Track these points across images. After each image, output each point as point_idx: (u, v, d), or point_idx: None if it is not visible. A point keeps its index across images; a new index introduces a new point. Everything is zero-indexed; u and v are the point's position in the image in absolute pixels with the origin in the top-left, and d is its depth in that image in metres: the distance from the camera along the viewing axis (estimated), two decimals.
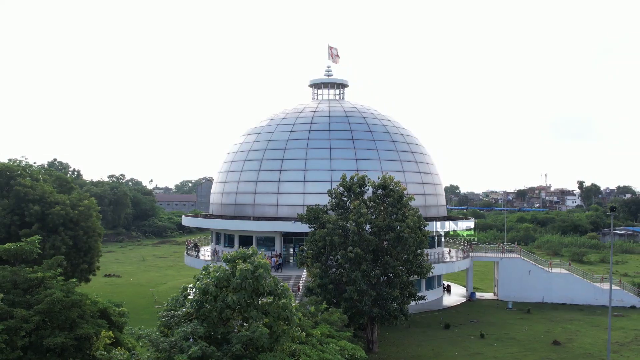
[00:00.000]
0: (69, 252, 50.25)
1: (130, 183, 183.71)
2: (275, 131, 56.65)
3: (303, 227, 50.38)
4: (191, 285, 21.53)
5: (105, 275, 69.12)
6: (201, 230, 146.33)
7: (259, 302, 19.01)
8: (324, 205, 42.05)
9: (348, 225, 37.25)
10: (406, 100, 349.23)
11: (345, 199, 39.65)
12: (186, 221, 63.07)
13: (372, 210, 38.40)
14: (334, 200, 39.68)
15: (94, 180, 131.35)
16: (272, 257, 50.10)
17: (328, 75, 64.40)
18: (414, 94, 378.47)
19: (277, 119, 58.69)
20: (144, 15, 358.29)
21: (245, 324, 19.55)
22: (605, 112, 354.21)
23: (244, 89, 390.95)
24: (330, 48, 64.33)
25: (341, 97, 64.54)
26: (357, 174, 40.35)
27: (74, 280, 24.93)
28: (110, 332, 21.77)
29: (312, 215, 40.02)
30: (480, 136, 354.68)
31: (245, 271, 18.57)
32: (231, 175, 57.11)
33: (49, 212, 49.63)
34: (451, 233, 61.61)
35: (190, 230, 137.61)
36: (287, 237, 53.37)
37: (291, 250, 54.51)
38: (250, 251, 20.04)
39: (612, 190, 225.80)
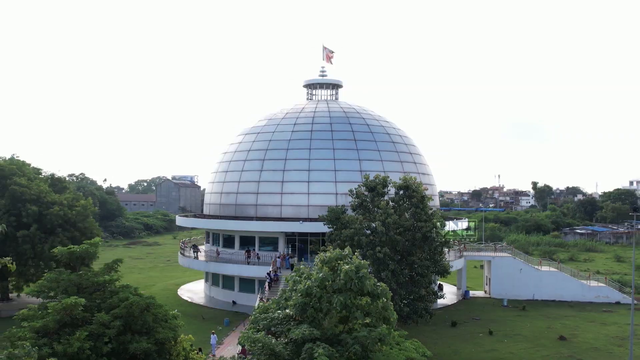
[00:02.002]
0: None
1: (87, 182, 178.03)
2: (276, 131, 56.35)
3: (309, 228, 50.64)
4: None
5: None
6: (168, 230, 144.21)
7: (360, 303, 19.03)
8: (342, 205, 42.26)
9: (375, 225, 37.56)
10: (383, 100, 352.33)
11: (367, 199, 39.94)
12: (182, 222, 61.76)
13: (394, 210, 38.87)
14: (356, 200, 39.89)
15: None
16: (278, 258, 49.78)
17: (322, 76, 64.56)
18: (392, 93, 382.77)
19: (277, 118, 58.38)
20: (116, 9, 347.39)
21: (341, 324, 19.51)
22: (551, 115, 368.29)
23: (230, 88, 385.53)
24: (325, 49, 64.50)
25: (335, 98, 64.81)
26: (379, 175, 40.72)
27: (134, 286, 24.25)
28: (190, 335, 21.29)
29: (334, 215, 40.14)
30: (429, 136, 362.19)
31: (351, 272, 18.58)
32: (231, 175, 56.40)
33: (47, 213, 47.89)
34: (450, 233, 62.86)
35: (157, 231, 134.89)
36: (291, 238, 53.15)
37: (288, 250, 54.27)
38: (346, 252, 20.02)
39: (562, 191, 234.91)
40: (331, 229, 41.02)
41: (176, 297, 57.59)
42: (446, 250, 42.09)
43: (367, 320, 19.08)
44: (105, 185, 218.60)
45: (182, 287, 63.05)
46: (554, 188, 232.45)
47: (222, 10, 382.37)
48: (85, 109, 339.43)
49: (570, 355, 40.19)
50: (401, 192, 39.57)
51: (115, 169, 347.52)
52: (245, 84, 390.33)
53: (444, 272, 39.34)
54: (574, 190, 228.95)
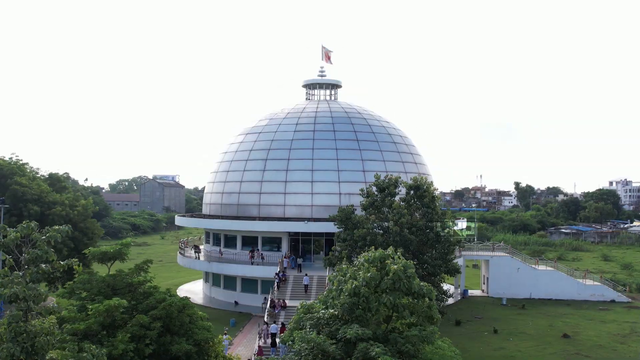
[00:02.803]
0: (69, 255, 47.88)
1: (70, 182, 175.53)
2: (278, 131, 56.27)
3: (314, 227, 50.68)
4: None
5: None
6: (155, 230, 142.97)
7: (406, 302, 19.16)
8: (351, 205, 42.41)
9: (387, 224, 37.76)
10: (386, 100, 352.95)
11: (378, 199, 40.13)
12: (183, 222, 61.25)
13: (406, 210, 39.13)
14: (367, 200, 40.05)
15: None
16: (285, 258, 49.70)
17: (322, 76, 64.62)
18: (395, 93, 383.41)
19: (278, 118, 58.29)
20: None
21: (384, 324, 19.60)
22: (528, 116, 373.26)
23: (223, 88, 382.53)
24: (324, 49, 64.56)
25: (335, 98, 64.93)
26: (391, 175, 40.95)
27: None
28: (229, 336, 21.18)
29: (345, 215, 40.25)
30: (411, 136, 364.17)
31: (400, 272, 18.69)
32: (232, 175, 56.15)
33: (49, 213, 47.21)
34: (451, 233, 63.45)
35: (144, 231, 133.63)
36: (294, 238, 53.11)
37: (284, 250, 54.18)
38: (389, 251, 20.13)
39: (542, 191, 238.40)
40: (341, 229, 41.11)
41: None
42: (457, 249, 42.48)
43: (412, 320, 19.22)
44: (86, 185, 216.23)
45: (181, 287, 62.56)
46: (535, 188, 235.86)
47: (216, 8, 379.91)
48: (65, 107, 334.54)
49: (576, 352, 40.85)
50: (412, 192, 39.82)
51: (93, 168, 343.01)
52: (238, 84, 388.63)
53: (454, 271, 39.75)
54: (554, 191, 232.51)
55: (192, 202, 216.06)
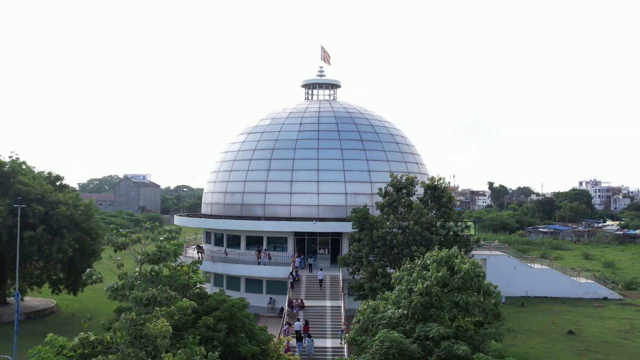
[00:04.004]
0: (74, 256, 46.93)
1: None
2: (281, 130, 56.14)
3: (322, 227, 50.77)
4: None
5: None
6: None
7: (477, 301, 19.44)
8: (365, 205, 42.66)
9: (407, 224, 38.11)
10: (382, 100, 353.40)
11: (395, 198, 40.44)
12: (185, 222, 60.38)
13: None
14: (386, 199, 40.32)
15: None
16: (297, 257, 49.59)
17: (321, 76, 64.71)
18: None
19: (281, 118, 58.15)
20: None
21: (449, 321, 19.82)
22: (495, 116, 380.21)
23: (216, 88, 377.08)
24: (323, 49, 64.64)
25: (334, 98, 65.07)
26: (405, 174, 41.32)
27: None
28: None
29: (362, 216, 40.44)
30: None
31: (471, 271, 18.95)
32: (235, 175, 55.78)
33: (54, 213, 46.02)
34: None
35: None
36: (300, 237, 53.06)
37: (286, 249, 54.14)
38: (453, 251, 20.39)
39: (514, 191, 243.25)
40: (356, 229, 41.31)
41: None
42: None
43: (480, 318, 19.51)
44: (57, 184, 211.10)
45: None
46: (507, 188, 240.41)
47: (210, 7, 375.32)
48: (31, 104, 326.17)
49: (585, 348, 41.92)
50: (429, 191, 40.29)
51: (61, 167, 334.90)
52: (231, 83, 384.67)
53: None
54: (525, 191, 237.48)
55: (168, 202, 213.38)
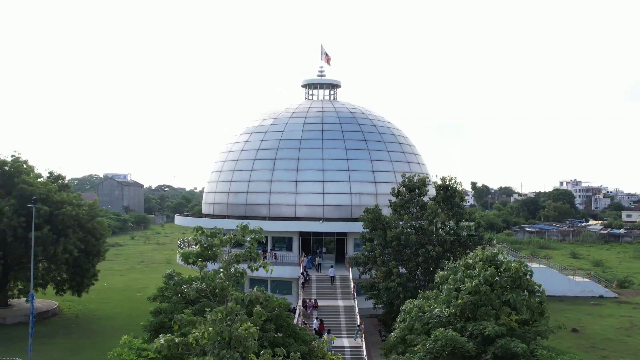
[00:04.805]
0: (79, 257, 46.31)
1: None
2: (285, 130, 56.05)
3: (329, 227, 50.82)
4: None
5: None
6: (123, 230, 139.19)
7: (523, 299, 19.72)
8: (376, 205, 42.87)
9: (421, 224, 38.40)
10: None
11: (407, 198, 40.72)
12: (187, 222, 59.91)
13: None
14: (399, 199, 40.57)
15: None
16: (306, 257, 49.57)
17: (321, 76, 64.75)
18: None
19: (284, 118, 58.04)
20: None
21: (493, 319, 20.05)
22: (477, 115, 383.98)
23: (213, 88, 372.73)
24: (323, 49, 64.71)
25: (334, 98, 65.17)
26: (417, 174, 41.62)
27: None
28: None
29: (374, 216, 40.63)
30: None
31: (519, 270, 19.23)
32: (239, 175, 55.51)
33: (58, 213, 45.36)
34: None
35: (113, 232, 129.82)
36: (305, 237, 53.07)
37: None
38: (496, 250, 20.66)
39: (496, 191, 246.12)
40: (367, 229, 41.49)
41: None
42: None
43: (527, 316, 19.79)
44: None
45: None
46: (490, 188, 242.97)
47: (210, 6, 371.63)
48: (7, 102, 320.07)
49: (591, 345, 42.73)
50: (441, 192, 40.65)
51: (38, 166, 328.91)
52: (229, 83, 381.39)
53: None
54: (507, 191, 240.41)
55: (151, 202, 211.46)
